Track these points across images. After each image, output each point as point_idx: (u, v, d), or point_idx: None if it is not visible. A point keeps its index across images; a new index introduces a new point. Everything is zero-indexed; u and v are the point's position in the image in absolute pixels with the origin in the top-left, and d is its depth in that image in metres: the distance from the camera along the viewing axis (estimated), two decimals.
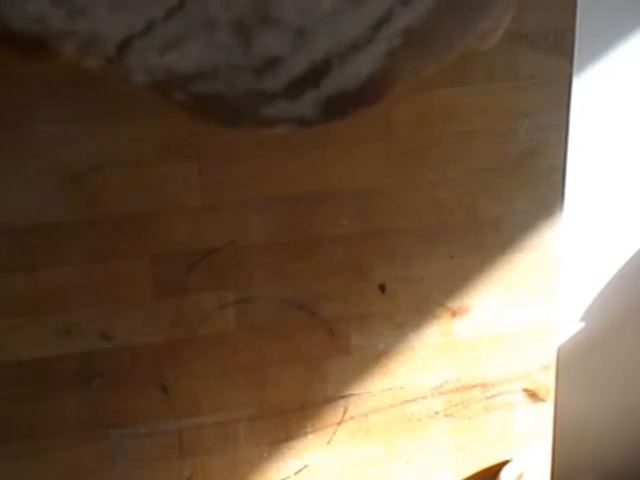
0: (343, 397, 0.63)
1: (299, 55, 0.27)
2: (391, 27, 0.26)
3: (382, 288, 0.60)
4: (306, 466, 0.64)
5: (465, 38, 0.28)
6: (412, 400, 0.64)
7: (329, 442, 0.64)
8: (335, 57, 0.27)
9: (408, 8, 0.26)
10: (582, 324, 0.95)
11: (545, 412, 0.67)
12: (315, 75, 0.27)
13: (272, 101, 0.28)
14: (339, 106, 0.29)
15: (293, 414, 0.62)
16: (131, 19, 0.25)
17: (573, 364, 0.95)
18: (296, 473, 0.64)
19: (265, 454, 0.63)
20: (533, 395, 0.67)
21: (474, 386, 0.65)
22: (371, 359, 0.62)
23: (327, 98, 0.28)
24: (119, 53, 0.27)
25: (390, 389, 0.63)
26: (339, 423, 0.63)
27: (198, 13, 0.25)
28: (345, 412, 0.63)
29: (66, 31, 0.25)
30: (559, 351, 0.69)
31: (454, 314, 0.62)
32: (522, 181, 0.59)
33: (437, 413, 0.65)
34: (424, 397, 0.64)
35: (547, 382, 0.66)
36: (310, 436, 0.63)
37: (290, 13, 0.25)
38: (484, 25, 0.27)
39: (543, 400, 0.67)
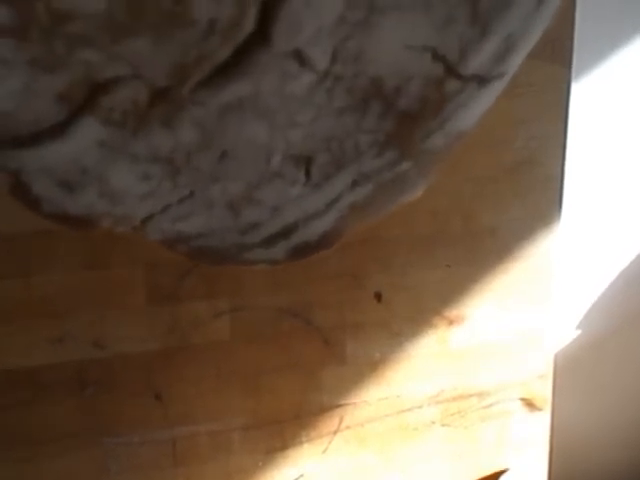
0: (339, 406, 0.62)
1: (274, 222, 0.37)
2: (341, 204, 0.37)
3: (378, 296, 0.60)
4: (301, 475, 0.64)
5: (395, 205, 0.39)
6: (408, 409, 0.64)
7: (325, 451, 0.64)
8: (300, 222, 0.37)
9: (353, 193, 0.36)
10: (578, 332, 0.95)
11: (542, 421, 0.67)
12: (285, 233, 0.38)
13: (252, 250, 0.39)
14: (302, 251, 0.39)
15: (288, 423, 0.62)
16: (153, 204, 0.34)
17: (569, 372, 0.95)
18: None
19: (260, 463, 0.63)
20: (530, 404, 0.66)
21: (470, 395, 0.65)
22: (367, 368, 0.62)
23: (294, 247, 0.39)
24: (142, 224, 0.36)
25: (386, 398, 0.63)
26: (335, 432, 0.63)
27: (203, 199, 0.34)
28: (341, 421, 0.63)
29: (106, 213, 0.34)
30: (555, 359, 0.69)
31: (450, 323, 0.62)
32: (518, 189, 0.59)
33: (433, 422, 0.65)
34: (420, 406, 0.64)
35: (543, 391, 0.66)
36: (305, 445, 0.63)
37: (269, 197, 0.35)
38: (408, 196, 0.39)
39: (540, 409, 0.67)
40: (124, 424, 0.59)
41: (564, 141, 0.59)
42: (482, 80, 0.32)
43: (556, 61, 0.57)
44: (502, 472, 0.67)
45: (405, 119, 0.32)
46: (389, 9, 0.27)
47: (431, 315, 0.62)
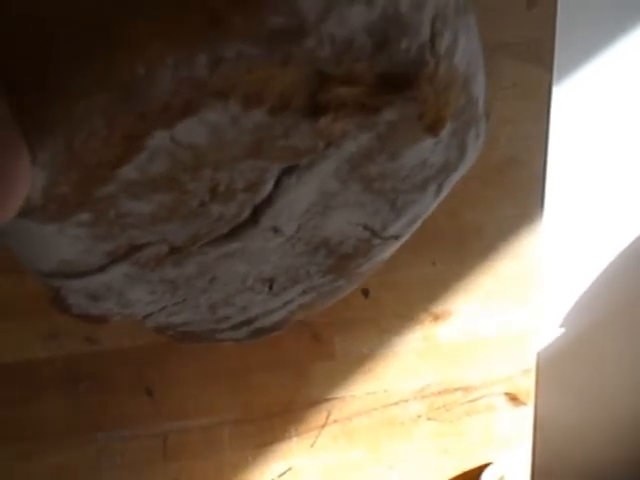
0: (327, 400, 0.63)
1: (241, 315, 0.47)
2: (292, 305, 0.48)
3: (366, 293, 0.61)
4: (290, 469, 0.64)
5: (331, 302, 0.51)
6: (395, 403, 0.64)
7: (313, 445, 0.64)
8: (260, 315, 0.48)
9: (302, 298, 0.47)
10: (562, 330, 0.96)
11: (525, 415, 0.68)
12: (248, 322, 0.48)
13: (222, 333, 0.49)
14: (259, 334, 0.50)
15: (277, 418, 0.62)
16: (154, 307, 0.44)
17: (553, 368, 0.96)
18: (280, 476, 0.64)
19: (249, 457, 0.63)
20: (514, 399, 0.67)
21: (456, 390, 0.66)
22: (355, 363, 0.62)
23: (253, 330, 0.50)
24: (143, 319, 0.45)
25: (373, 392, 0.64)
26: (323, 426, 0.64)
27: (192, 303, 0.44)
28: (329, 415, 0.63)
29: (118, 313, 0.43)
30: (539, 356, 0.69)
31: (437, 319, 0.63)
32: (503, 188, 0.60)
33: (419, 416, 0.65)
34: (407, 400, 0.65)
35: (527, 386, 0.67)
36: (294, 439, 0.63)
37: (240, 301, 0.45)
38: (340, 297, 0.51)
39: (524, 404, 0.67)
40: (116, 419, 0.59)
41: (546, 141, 0.60)
42: (397, 237, 0.44)
43: (538, 63, 0.57)
44: (486, 465, 0.68)
45: (343, 258, 0.44)
46: (339, 206, 0.39)
47: (418, 312, 0.62)
